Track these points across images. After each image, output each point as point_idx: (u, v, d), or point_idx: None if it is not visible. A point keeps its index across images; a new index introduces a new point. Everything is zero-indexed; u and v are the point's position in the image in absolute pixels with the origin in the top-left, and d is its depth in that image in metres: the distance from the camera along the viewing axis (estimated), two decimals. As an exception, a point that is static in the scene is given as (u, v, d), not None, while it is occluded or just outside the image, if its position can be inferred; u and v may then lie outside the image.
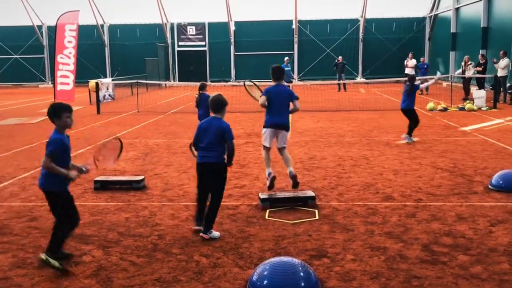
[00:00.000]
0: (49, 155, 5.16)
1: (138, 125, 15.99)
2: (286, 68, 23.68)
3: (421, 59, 27.87)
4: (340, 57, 30.70)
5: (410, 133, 12.09)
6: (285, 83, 22.65)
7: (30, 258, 5.51)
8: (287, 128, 7.92)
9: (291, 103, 7.91)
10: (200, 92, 11.36)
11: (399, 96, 23.92)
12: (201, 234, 6.05)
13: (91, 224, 6.65)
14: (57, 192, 5.29)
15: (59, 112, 5.32)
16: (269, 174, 7.69)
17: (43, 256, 5.10)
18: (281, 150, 7.88)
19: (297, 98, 7.95)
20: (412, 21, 38.63)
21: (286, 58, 26.93)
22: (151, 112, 19.87)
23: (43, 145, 13.59)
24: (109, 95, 25.38)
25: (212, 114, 6.31)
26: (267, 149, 7.88)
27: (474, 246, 5.64)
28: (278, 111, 7.79)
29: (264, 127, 7.90)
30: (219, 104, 6.21)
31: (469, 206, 7.12)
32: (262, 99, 7.83)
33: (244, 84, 8.99)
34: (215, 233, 6.06)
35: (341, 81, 28.89)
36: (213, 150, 5.99)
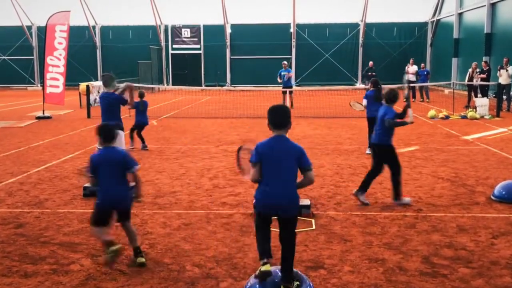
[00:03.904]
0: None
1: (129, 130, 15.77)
2: (283, 73, 23.38)
3: (421, 65, 27.71)
4: (370, 63, 29.67)
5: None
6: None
7: (16, 267, 5.37)
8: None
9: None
10: (141, 99, 12.68)
11: (400, 103, 23.90)
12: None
13: (79, 232, 6.49)
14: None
15: None
16: None
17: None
18: None
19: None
20: (414, 26, 38.44)
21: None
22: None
23: (31, 149, 13.54)
24: (100, 98, 25.19)
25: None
26: None
27: (476, 259, 5.53)
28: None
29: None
30: None
31: (471, 217, 6.99)
32: None
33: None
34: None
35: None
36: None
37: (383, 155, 7.70)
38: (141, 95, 12.80)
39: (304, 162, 4.58)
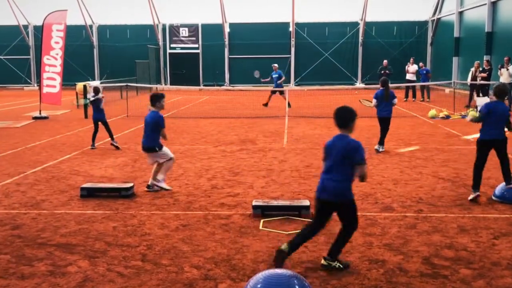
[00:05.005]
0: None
1: (127, 130, 15.74)
2: (274, 75, 23.53)
3: (420, 64, 27.57)
4: (385, 61, 27.94)
5: (383, 142, 11.87)
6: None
7: (13, 268, 5.33)
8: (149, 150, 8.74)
9: None
10: (101, 96, 13.02)
11: (400, 103, 23.85)
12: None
13: (77, 233, 6.45)
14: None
15: None
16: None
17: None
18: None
19: None
20: (414, 25, 38.33)
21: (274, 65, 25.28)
22: (141, 116, 19.44)
23: (28, 150, 13.45)
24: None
25: None
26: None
27: (477, 260, 5.50)
28: None
29: None
30: None
31: (472, 218, 6.94)
32: None
33: None
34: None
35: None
36: None
37: (505, 147, 8.00)
38: (97, 91, 12.91)
39: (355, 157, 5.24)
